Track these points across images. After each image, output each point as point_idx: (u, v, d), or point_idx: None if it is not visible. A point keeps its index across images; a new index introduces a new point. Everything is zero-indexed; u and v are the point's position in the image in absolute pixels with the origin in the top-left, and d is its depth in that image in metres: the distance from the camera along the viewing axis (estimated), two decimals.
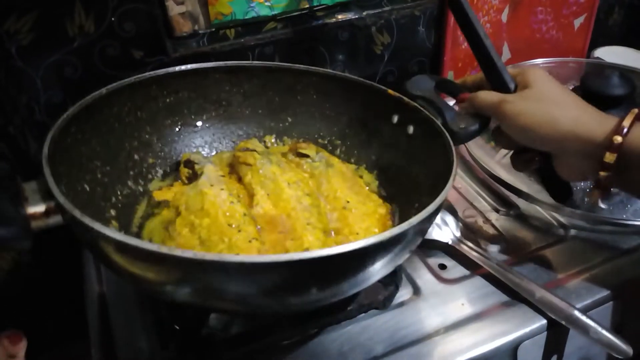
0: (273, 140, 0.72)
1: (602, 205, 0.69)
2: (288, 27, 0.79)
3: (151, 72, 0.62)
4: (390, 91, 0.63)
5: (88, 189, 0.54)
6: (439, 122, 0.58)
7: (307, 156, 0.67)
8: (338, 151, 0.70)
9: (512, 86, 0.60)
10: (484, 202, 0.74)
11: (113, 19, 0.67)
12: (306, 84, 0.69)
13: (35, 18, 0.63)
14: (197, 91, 0.67)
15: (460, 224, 0.69)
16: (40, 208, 0.43)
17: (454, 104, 0.63)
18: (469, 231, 0.69)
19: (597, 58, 0.98)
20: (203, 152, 0.69)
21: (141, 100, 0.62)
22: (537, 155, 0.60)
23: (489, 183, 0.76)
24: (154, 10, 0.69)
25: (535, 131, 0.55)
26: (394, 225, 0.60)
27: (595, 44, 1.03)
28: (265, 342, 0.56)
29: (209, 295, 0.43)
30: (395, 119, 0.64)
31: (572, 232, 0.68)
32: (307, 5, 0.79)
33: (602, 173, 0.52)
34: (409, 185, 0.61)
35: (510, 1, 0.93)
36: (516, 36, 0.98)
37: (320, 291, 0.43)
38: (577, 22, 1.03)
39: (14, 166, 0.70)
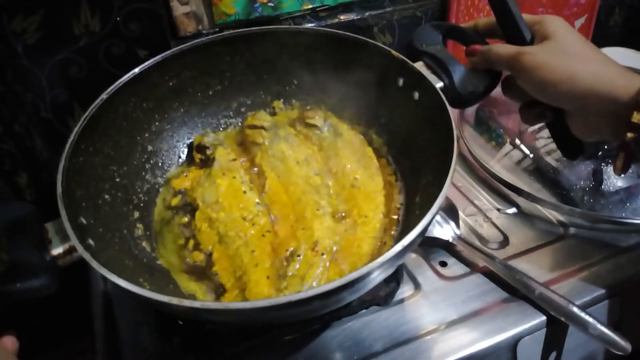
0: (282, 106, 0.71)
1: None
2: None
3: (149, 61, 0.61)
4: (394, 52, 0.61)
5: (109, 198, 0.55)
6: (440, 92, 0.55)
7: (315, 126, 0.67)
8: (347, 113, 0.69)
9: (527, 36, 0.56)
10: (484, 200, 0.74)
11: (118, 18, 0.67)
12: (307, 46, 0.67)
13: (41, 17, 0.64)
14: (198, 68, 0.66)
15: (461, 222, 0.69)
16: (63, 248, 0.46)
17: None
18: (470, 229, 0.70)
19: None
20: (214, 128, 0.69)
21: (144, 91, 0.62)
22: (548, 109, 0.56)
23: (490, 182, 0.76)
24: (158, 10, 0.69)
25: (554, 87, 0.51)
26: (401, 201, 0.61)
27: (596, 45, 1.03)
28: (268, 338, 0.56)
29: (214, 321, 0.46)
30: (401, 82, 0.62)
31: (572, 230, 0.68)
32: (310, 6, 0.79)
33: (629, 135, 0.48)
34: (417, 157, 0.61)
35: None
36: None
37: (322, 304, 0.45)
38: (578, 23, 1.03)
39: (19, 163, 0.71)
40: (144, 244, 0.57)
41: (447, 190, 0.46)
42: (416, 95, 0.60)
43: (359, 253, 0.56)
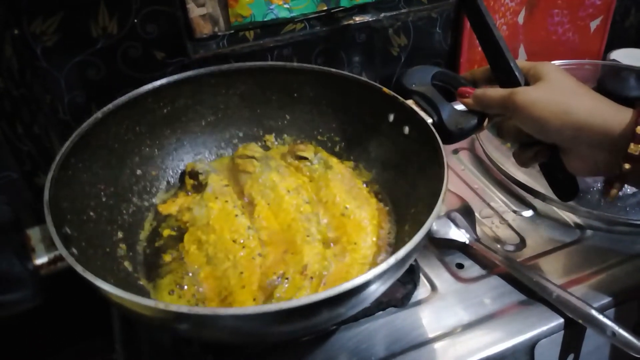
0: (273, 140, 0.72)
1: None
2: (306, 29, 0.80)
3: (145, 86, 0.62)
4: (385, 89, 0.63)
5: (94, 215, 0.55)
6: (431, 126, 0.57)
7: (306, 159, 0.67)
8: (337, 148, 0.71)
9: (522, 80, 0.58)
10: (500, 202, 0.74)
11: (136, 20, 0.68)
12: (301, 82, 0.69)
13: (60, 20, 0.64)
14: (194, 98, 0.67)
15: (477, 224, 0.69)
16: (47, 258, 0.44)
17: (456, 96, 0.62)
18: (486, 231, 0.69)
19: (613, 60, 0.97)
20: (204, 157, 0.70)
21: (138, 115, 0.63)
22: (543, 149, 0.58)
23: (506, 184, 0.76)
24: (175, 12, 0.70)
25: (549, 122, 0.53)
26: (390, 230, 0.62)
27: (612, 46, 1.03)
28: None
29: (209, 336, 0.46)
30: (391, 117, 0.64)
31: (589, 232, 0.68)
32: (325, 8, 0.79)
33: (626, 166, 0.50)
34: (406, 188, 0.62)
35: (527, 3, 0.93)
36: (532, 38, 0.98)
37: (330, 312, 0.44)
38: (594, 24, 1.03)
39: (39, 165, 0.71)
40: (125, 263, 0.56)
41: (437, 212, 0.47)
42: (406, 129, 0.62)
43: (347, 278, 0.55)
